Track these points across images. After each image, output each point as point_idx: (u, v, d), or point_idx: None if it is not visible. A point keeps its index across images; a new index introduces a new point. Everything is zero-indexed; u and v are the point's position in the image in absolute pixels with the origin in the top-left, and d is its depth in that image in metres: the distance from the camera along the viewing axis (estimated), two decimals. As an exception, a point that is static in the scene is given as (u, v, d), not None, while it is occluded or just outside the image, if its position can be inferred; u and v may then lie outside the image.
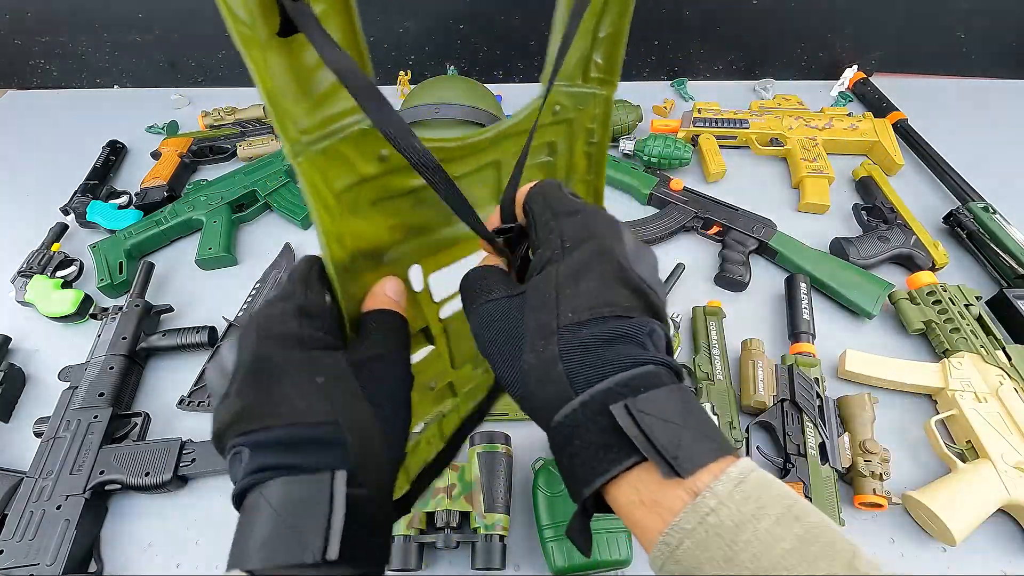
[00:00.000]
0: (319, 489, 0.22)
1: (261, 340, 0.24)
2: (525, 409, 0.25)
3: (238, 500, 0.23)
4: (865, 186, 0.83)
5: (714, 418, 0.58)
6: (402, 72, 0.99)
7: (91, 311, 0.71)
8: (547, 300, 0.24)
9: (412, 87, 0.86)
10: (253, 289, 0.74)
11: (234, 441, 0.23)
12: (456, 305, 0.39)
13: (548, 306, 0.24)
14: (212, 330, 0.67)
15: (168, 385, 0.66)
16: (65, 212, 0.84)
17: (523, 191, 0.29)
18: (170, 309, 0.72)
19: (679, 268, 0.73)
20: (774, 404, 0.59)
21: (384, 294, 0.29)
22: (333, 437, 0.23)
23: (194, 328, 0.67)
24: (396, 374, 0.27)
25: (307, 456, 0.23)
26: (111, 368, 0.62)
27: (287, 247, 0.79)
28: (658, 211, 0.81)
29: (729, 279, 0.72)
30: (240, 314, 0.71)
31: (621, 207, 0.83)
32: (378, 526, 0.25)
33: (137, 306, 0.68)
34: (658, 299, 0.25)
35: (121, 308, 0.68)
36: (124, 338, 0.65)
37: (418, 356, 0.38)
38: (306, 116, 0.24)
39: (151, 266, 0.74)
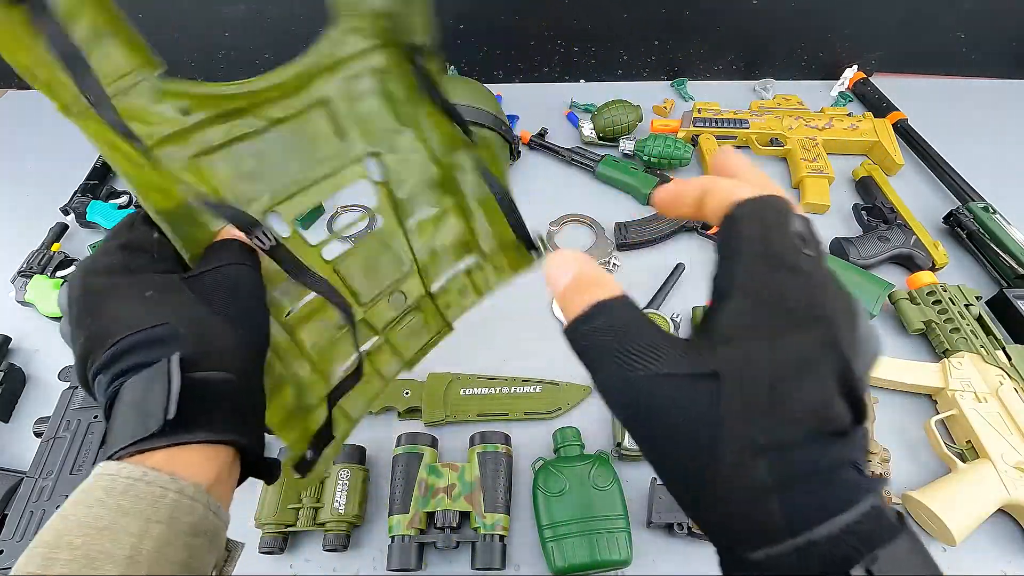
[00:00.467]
0: (159, 373, 0.24)
1: (86, 276, 0.27)
2: (698, 523, 0.21)
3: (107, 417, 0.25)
4: (865, 186, 0.83)
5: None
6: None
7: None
8: (755, 401, 0.18)
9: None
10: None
11: (91, 374, 0.25)
12: (339, 247, 0.42)
13: (756, 409, 0.18)
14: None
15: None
16: (65, 212, 0.83)
17: (728, 192, 0.23)
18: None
19: (679, 268, 0.73)
20: (774, 404, 0.59)
21: (228, 232, 0.31)
22: (169, 334, 0.25)
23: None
24: (232, 279, 0.29)
25: (148, 354, 0.25)
26: (111, 368, 0.63)
27: None
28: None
29: (729, 279, 0.72)
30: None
31: (621, 207, 0.83)
32: (240, 406, 0.27)
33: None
34: (868, 400, 0.21)
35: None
36: (124, 338, 0.65)
37: (310, 296, 0.39)
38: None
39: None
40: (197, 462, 0.24)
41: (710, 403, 0.19)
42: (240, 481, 0.30)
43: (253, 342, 0.29)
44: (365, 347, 0.45)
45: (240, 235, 0.31)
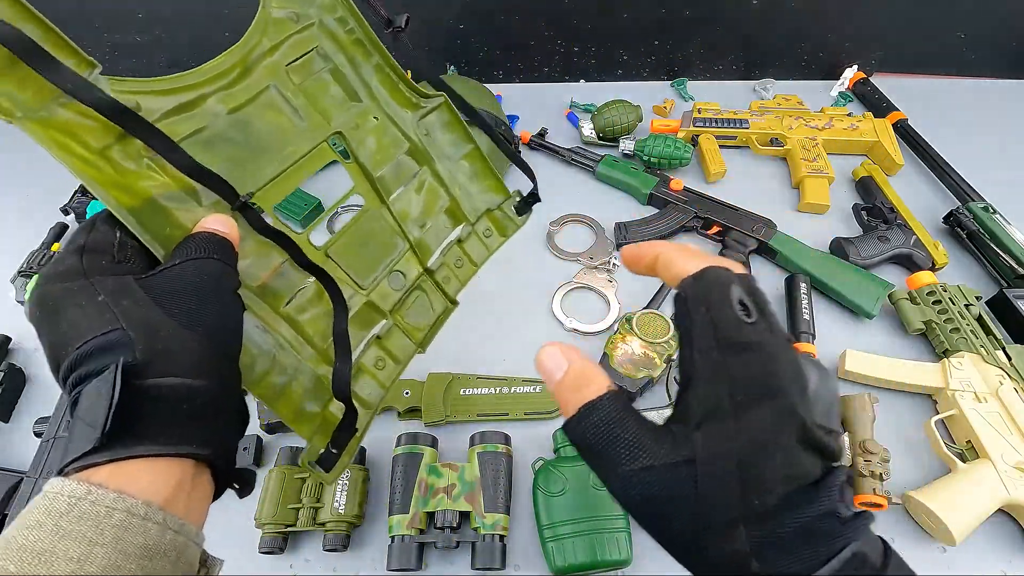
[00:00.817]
0: (106, 383, 0.23)
1: (42, 284, 0.26)
2: None
3: None
4: (865, 186, 0.83)
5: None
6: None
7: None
8: (726, 481, 0.20)
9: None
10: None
11: (61, 382, 0.25)
12: (324, 234, 0.43)
13: (728, 488, 0.20)
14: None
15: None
16: (65, 212, 0.84)
17: (674, 265, 0.25)
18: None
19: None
20: (774, 404, 0.59)
21: (202, 227, 0.31)
22: (119, 340, 0.24)
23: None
24: (189, 275, 0.28)
25: (101, 362, 0.24)
26: (111, 368, 0.62)
27: None
28: (658, 211, 0.81)
29: (729, 279, 0.72)
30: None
31: (621, 207, 0.83)
32: (200, 413, 0.26)
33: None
34: (837, 442, 0.22)
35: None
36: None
37: (308, 282, 0.39)
38: (19, 90, 0.26)
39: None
40: (148, 477, 0.23)
41: (690, 486, 0.21)
42: (217, 494, 0.28)
43: (216, 342, 0.27)
44: (375, 330, 0.45)
45: (214, 227, 0.31)
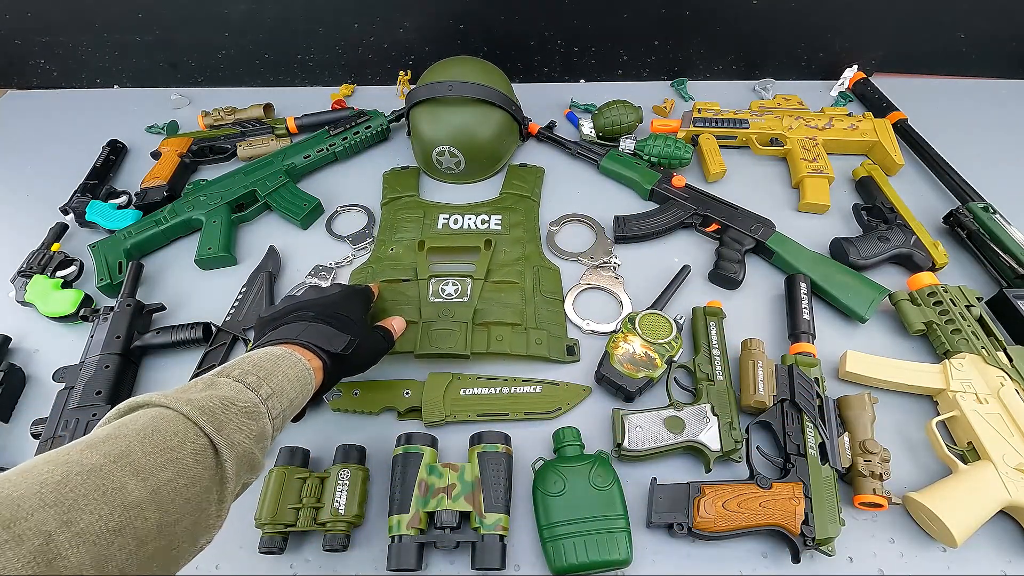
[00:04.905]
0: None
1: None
2: None
3: None
4: (865, 186, 0.83)
5: (713, 419, 0.58)
6: (402, 72, 0.99)
7: (81, 312, 0.71)
8: None
9: (412, 87, 0.86)
10: (239, 293, 0.73)
11: None
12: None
13: None
14: (206, 326, 0.67)
15: (164, 382, 0.66)
16: (65, 212, 0.83)
17: None
18: (162, 308, 0.72)
19: (685, 270, 0.72)
20: (774, 404, 0.59)
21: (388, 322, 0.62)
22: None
23: (188, 324, 0.67)
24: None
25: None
26: (107, 367, 0.63)
27: (271, 250, 0.78)
28: (658, 206, 0.81)
29: (722, 276, 0.72)
30: (227, 319, 0.70)
31: (623, 202, 0.84)
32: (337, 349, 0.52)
33: (128, 305, 0.68)
34: None
35: (112, 309, 0.68)
36: (118, 337, 0.65)
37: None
38: None
39: (140, 266, 0.74)
40: (308, 355, 0.49)
41: None
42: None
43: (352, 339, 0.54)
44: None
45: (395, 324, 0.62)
